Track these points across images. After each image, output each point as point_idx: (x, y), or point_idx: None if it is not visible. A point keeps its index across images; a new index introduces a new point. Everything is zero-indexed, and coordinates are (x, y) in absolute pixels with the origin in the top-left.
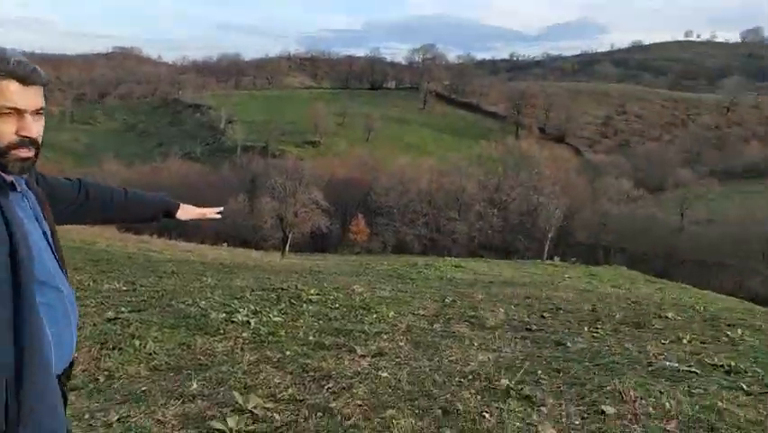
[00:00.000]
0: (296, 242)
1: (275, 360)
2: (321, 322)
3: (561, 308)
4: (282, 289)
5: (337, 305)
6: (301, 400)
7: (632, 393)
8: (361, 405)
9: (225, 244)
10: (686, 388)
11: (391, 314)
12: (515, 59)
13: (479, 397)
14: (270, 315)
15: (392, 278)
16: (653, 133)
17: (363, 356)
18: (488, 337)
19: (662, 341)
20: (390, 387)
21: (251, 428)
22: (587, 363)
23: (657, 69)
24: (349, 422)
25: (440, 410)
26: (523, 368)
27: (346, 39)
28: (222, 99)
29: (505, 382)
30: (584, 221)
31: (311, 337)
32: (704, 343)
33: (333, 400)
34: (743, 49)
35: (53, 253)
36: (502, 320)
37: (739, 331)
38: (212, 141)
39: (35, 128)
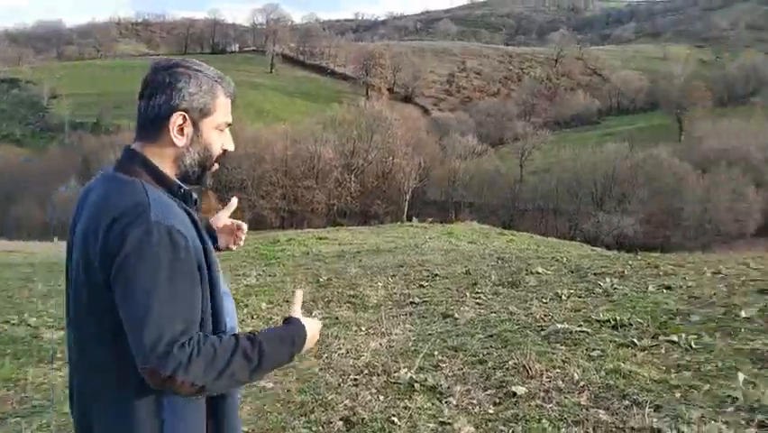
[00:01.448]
0: None
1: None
2: None
3: (437, 274)
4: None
5: None
6: None
7: (536, 367)
8: (247, 431)
9: (56, 239)
10: (584, 351)
11: (263, 305)
12: (359, 18)
13: (381, 397)
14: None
15: (255, 260)
16: (492, 89)
17: None
18: (373, 319)
19: (544, 300)
20: (279, 401)
21: None
22: (480, 336)
23: (493, 26)
24: None
25: (341, 422)
26: (419, 353)
27: (182, 0)
28: (42, 72)
29: (405, 372)
30: (436, 179)
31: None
32: (581, 297)
33: None
34: (567, 2)
35: None
36: (383, 296)
37: (608, 280)
38: (34, 120)
39: (231, 141)
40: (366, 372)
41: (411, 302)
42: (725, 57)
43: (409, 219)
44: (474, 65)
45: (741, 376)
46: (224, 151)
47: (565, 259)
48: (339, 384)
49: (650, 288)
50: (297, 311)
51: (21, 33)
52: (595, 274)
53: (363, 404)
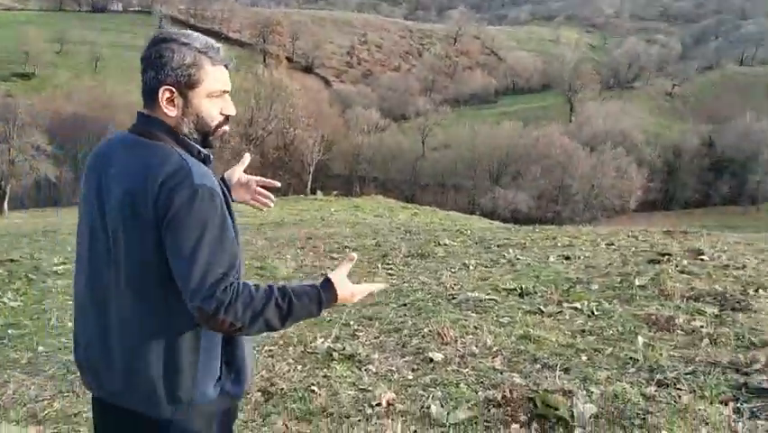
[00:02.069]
0: (16, 196)
1: (24, 362)
2: None
3: (346, 246)
4: (12, 261)
5: None
6: (76, 415)
7: (451, 333)
8: None
9: None
10: (495, 318)
11: None
12: None
13: (299, 368)
14: (4, 299)
15: None
16: (393, 63)
17: None
18: None
19: (452, 270)
20: None
21: None
22: (394, 305)
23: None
24: None
25: (259, 393)
26: (335, 323)
27: None
28: None
29: (322, 342)
30: (339, 153)
31: (69, 323)
32: (487, 267)
33: None
34: None
35: None
36: (294, 268)
37: (511, 251)
38: None
39: (233, 107)
40: (281, 342)
41: (322, 274)
42: (610, 42)
43: (313, 192)
44: (375, 38)
45: (641, 340)
46: (226, 116)
47: (469, 231)
48: (254, 355)
49: (551, 258)
50: (339, 273)
51: None
52: (498, 246)
53: (281, 375)
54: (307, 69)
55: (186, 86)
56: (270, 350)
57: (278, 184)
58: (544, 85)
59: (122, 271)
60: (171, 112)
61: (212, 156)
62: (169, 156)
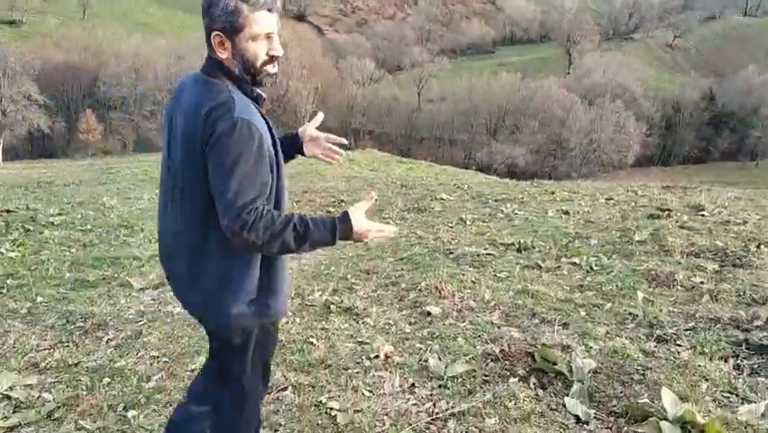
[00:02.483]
0: (11, 147)
1: (24, 312)
2: (74, 251)
3: (342, 200)
4: (8, 211)
5: (89, 226)
6: (76, 365)
7: (448, 288)
8: (158, 357)
9: None
10: (492, 273)
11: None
12: None
13: (298, 320)
14: (2, 249)
15: (145, 182)
16: (387, 11)
17: (142, 289)
18: None
19: (449, 225)
20: (189, 325)
21: (14, 420)
22: (391, 259)
23: None
24: (150, 384)
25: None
26: (332, 276)
27: None
28: None
29: (320, 295)
30: (333, 105)
31: (67, 274)
32: (485, 222)
33: (120, 356)
34: None
35: None
36: None
37: (509, 206)
38: None
39: (281, 47)
40: None
41: None
42: None
43: None
44: None
45: (640, 295)
46: (272, 56)
47: (466, 186)
48: None
49: (549, 213)
50: (357, 209)
51: None
52: (496, 201)
53: (279, 327)
54: (300, 17)
55: (231, 30)
56: None
57: (346, 141)
58: (543, 35)
59: (177, 187)
60: (222, 54)
61: (263, 95)
62: (220, 92)
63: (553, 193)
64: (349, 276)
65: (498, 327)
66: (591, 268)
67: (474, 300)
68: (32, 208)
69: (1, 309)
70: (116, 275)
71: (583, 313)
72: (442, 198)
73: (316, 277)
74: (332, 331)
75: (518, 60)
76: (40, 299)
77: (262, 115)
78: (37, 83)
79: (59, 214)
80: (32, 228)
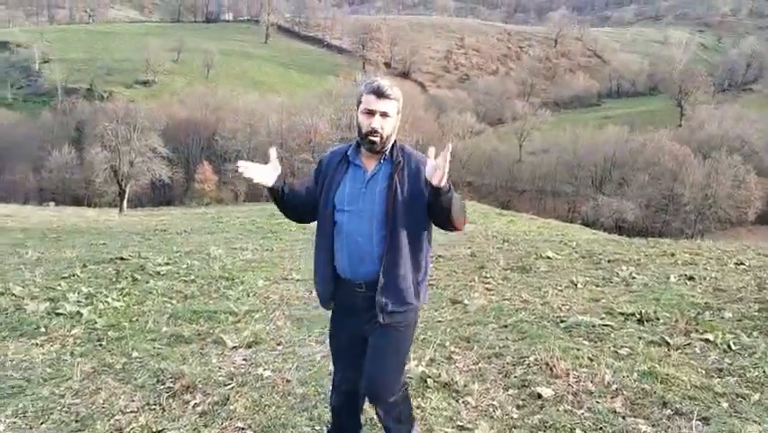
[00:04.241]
0: (135, 196)
1: (118, 367)
2: (175, 303)
3: (441, 255)
4: (122, 259)
5: (192, 276)
6: (160, 432)
7: (561, 365)
8: (243, 428)
9: (53, 204)
10: (611, 348)
11: (260, 282)
12: None
13: None
14: (109, 298)
15: (252, 232)
16: (490, 67)
17: (235, 348)
18: None
19: (558, 288)
20: (278, 392)
21: None
22: (494, 326)
23: (491, 3)
24: None
25: None
26: (429, 342)
27: None
28: (34, 35)
29: (416, 365)
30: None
31: (164, 328)
32: (599, 286)
33: (205, 425)
34: None
35: (382, 204)
36: None
37: (624, 268)
38: (26, 84)
39: (378, 124)
40: None
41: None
42: (726, 42)
43: None
44: (472, 42)
45: None
46: (372, 128)
47: (574, 243)
48: None
49: (671, 278)
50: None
51: None
52: (609, 261)
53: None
54: (405, 75)
55: (357, 106)
56: None
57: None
58: (651, 88)
59: None
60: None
61: (358, 151)
62: (342, 146)
63: (673, 255)
64: (447, 343)
65: (623, 418)
66: (729, 347)
67: (592, 382)
68: (144, 257)
69: (97, 364)
70: (211, 331)
71: (725, 405)
72: (548, 257)
73: (414, 342)
74: (428, 411)
75: (625, 113)
76: (135, 354)
77: (347, 160)
78: (162, 137)
79: (167, 263)
80: (139, 277)
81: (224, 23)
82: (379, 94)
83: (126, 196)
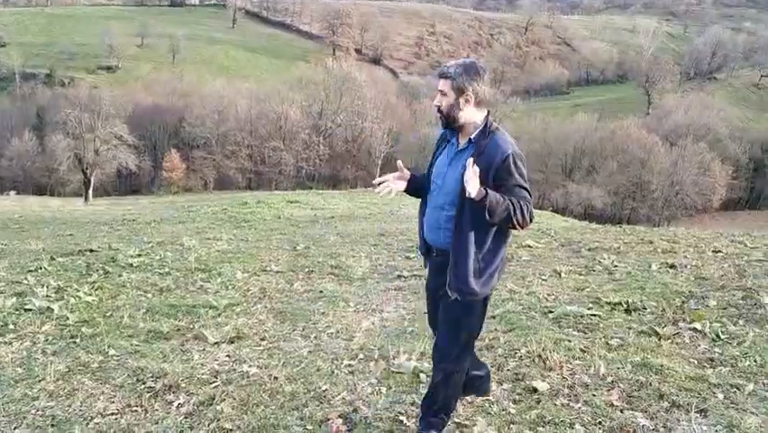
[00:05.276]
0: (101, 184)
1: (95, 366)
2: (150, 296)
3: None
4: (91, 251)
5: (167, 268)
6: None
7: (554, 357)
8: (231, 429)
9: (13, 193)
10: (602, 339)
11: (239, 274)
12: None
13: (384, 390)
14: (80, 293)
15: (224, 222)
16: (461, 54)
17: (217, 344)
18: (361, 294)
19: (542, 277)
20: (266, 390)
21: None
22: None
23: None
24: None
25: (341, 420)
26: (418, 335)
27: None
28: None
29: (407, 361)
30: (407, 145)
31: (141, 323)
32: (582, 275)
33: (191, 427)
34: None
35: (456, 185)
36: (368, 268)
37: (606, 256)
38: None
39: (437, 101)
40: (361, 356)
41: (399, 275)
42: (691, 31)
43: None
44: (443, 29)
45: None
46: (435, 105)
47: (552, 231)
48: (332, 371)
49: (653, 266)
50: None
51: None
52: (589, 249)
53: (364, 397)
54: (375, 61)
55: None
56: (350, 365)
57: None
58: (620, 76)
59: None
60: None
61: (445, 128)
62: None
63: (651, 243)
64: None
65: (621, 412)
66: (718, 336)
67: (587, 374)
68: (114, 248)
69: (72, 363)
70: (191, 326)
71: (721, 396)
72: (529, 246)
73: (400, 336)
74: None
75: (595, 101)
76: (112, 351)
77: (445, 138)
78: (128, 124)
79: (139, 255)
80: (111, 270)
81: (191, 6)
82: (439, 74)
83: (92, 185)
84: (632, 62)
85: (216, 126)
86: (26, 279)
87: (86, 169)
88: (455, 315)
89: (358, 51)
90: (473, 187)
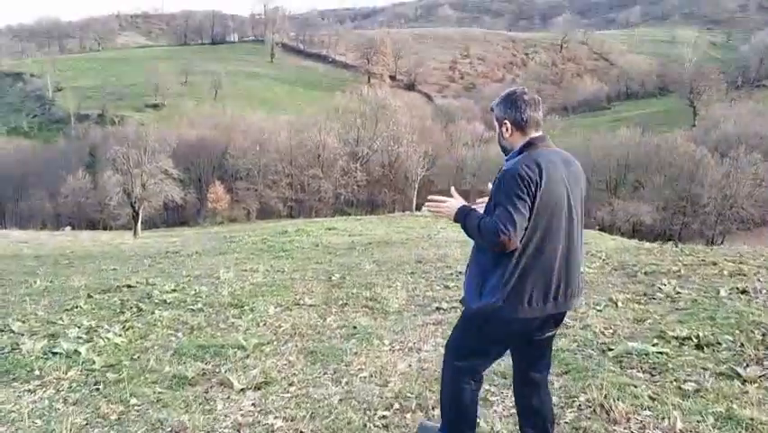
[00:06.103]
0: (149, 217)
1: (113, 418)
2: (180, 336)
3: (461, 272)
4: (128, 286)
5: (200, 304)
6: None
7: (619, 407)
8: None
9: (69, 228)
10: (673, 383)
11: (271, 309)
12: (357, 7)
13: None
14: (110, 333)
15: (263, 252)
16: (496, 75)
17: (243, 391)
18: (397, 330)
19: (597, 307)
20: None
21: None
22: None
23: (495, 11)
24: None
25: None
26: None
27: None
28: (46, 65)
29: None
30: (443, 167)
31: (167, 367)
32: (641, 303)
33: None
34: None
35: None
36: (405, 299)
37: (665, 281)
38: (40, 112)
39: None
40: (396, 406)
41: (438, 307)
42: (736, 39)
43: (418, 208)
44: (477, 51)
45: None
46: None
47: (603, 254)
48: (365, 425)
49: (721, 292)
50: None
51: (23, 28)
52: (646, 274)
53: None
54: (410, 87)
55: None
56: (384, 416)
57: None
58: (661, 88)
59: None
60: None
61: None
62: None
63: (715, 264)
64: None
65: None
66: None
67: (660, 429)
68: (151, 283)
69: (91, 414)
70: (217, 370)
71: None
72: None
73: (439, 380)
74: None
75: (636, 115)
76: (134, 400)
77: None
78: (173, 158)
79: (174, 290)
80: (144, 307)
81: (230, 43)
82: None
83: (140, 218)
84: (674, 74)
85: (258, 157)
86: (61, 318)
87: (135, 203)
88: (461, 320)
89: (392, 78)
90: (436, 213)
